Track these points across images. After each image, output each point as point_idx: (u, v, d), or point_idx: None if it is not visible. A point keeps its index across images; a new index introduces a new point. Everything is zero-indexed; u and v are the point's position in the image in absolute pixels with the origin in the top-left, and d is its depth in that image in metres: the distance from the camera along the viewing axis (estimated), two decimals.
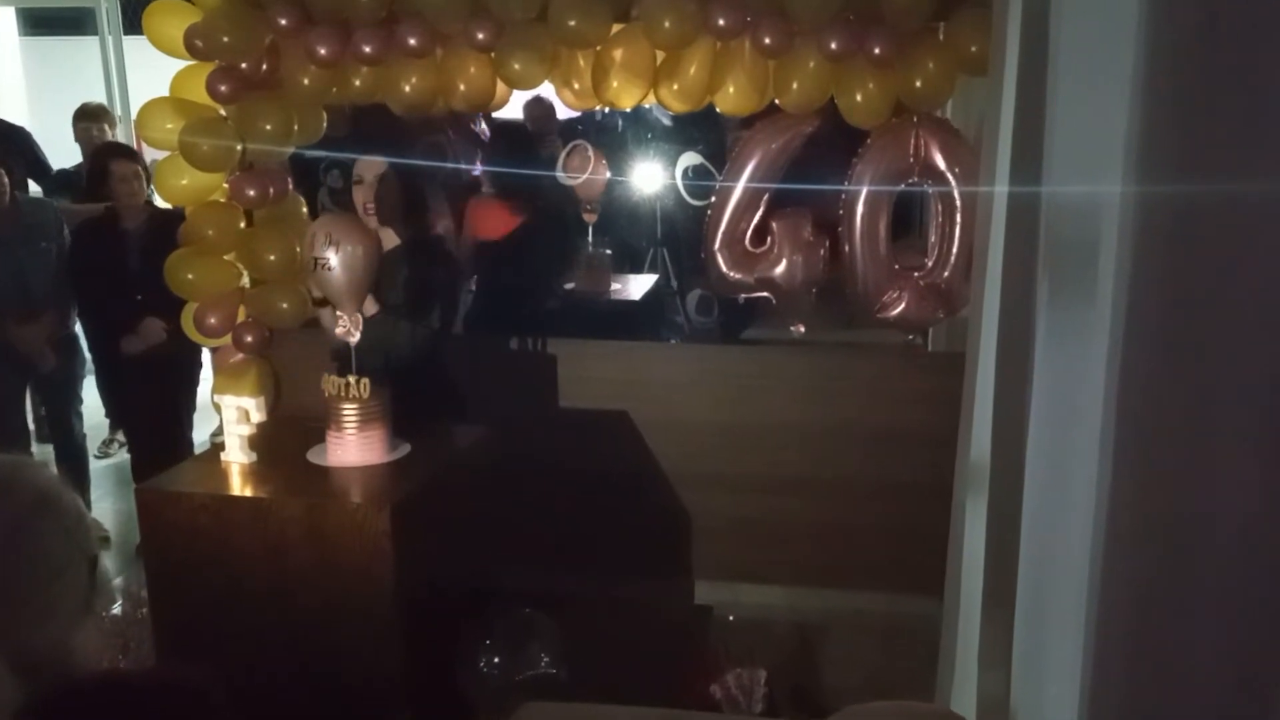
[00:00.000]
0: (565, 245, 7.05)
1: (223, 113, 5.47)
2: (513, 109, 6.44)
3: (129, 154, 6.58)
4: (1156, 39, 1.93)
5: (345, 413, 4.33)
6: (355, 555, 4.02)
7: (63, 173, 8.14)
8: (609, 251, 7.18)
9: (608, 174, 6.87)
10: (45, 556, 2.09)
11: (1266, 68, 1.55)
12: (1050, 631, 2.73)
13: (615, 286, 7.18)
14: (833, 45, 4.79)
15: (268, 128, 5.38)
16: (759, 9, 4.84)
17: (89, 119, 7.91)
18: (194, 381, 6.82)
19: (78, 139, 7.89)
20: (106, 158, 6.52)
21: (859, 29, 4.79)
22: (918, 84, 4.86)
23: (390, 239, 4.87)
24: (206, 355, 6.59)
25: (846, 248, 5.30)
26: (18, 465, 2.18)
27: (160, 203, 6.28)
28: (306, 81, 5.34)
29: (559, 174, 6.63)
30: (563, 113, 7.65)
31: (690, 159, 6.20)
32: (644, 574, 5.67)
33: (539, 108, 7.72)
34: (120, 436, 8.03)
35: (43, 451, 7.17)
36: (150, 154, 6.06)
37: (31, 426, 7.34)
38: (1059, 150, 2.72)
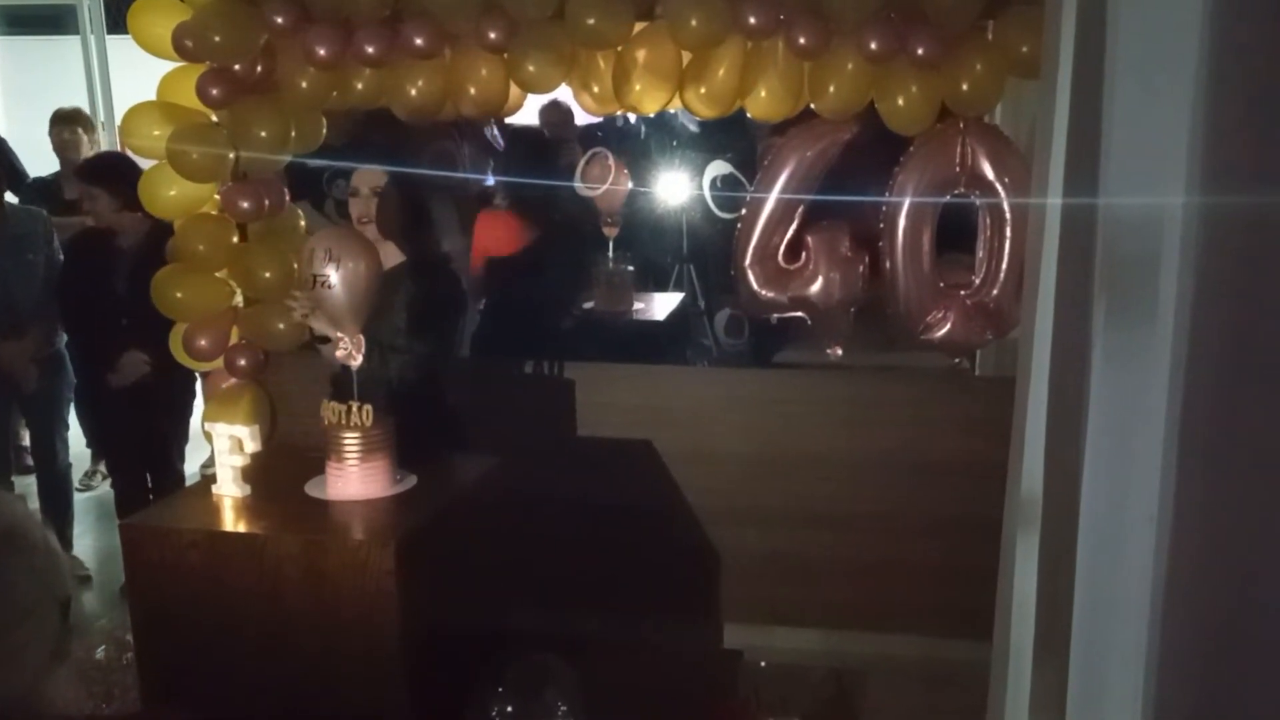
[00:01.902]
0: (584, 261, 7.05)
1: (214, 118, 5.50)
2: (527, 114, 6.45)
3: (82, 174, 6.52)
4: (1222, 36, 1.94)
5: (346, 442, 4.33)
6: (357, 596, 4.02)
7: (39, 181, 8.15)
8: (631, 268, 7.18)
9: (629, 184, 6.88)
10: (10, 598, 2.05)
11: None
12: (1107, 678, 2.72)
13: (638, 306, 7.18)
14: (873, 45, 4.79)
15: (263, 134, 5.39)
16: (793, 6, 4.85)
17: (63, 124, 7.94)
18: (186, 409, 6.77)
19: (54, 146, 7.93)
20: (77, 177, 6.57)
21: (901, 28, 4.79)
22: (964, 87, 4.87)
23: (393, 256, 4.88)
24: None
25: (887, 264, 5.30)
26: None
27: None
28: (305, 84, 5.37)
29: (577, 184, 6.64)
30: (581, 118, 7.67)
31: (718, 168, 6.21)
32: (669, 616, 5.67)
33: (556, 113, 7.73)
34: (103, 468, 8.04)
35: (22, 484, 7.20)
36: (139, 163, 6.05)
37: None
38: (1116, 158, 2.73)
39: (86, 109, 9.35)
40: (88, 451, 8.22)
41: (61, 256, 6.68)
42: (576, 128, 7.86)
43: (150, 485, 6.60)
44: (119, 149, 7.39)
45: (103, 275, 6.28)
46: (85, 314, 6.43)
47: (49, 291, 6.56)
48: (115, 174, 6.27)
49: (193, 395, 6.76)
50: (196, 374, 6.35)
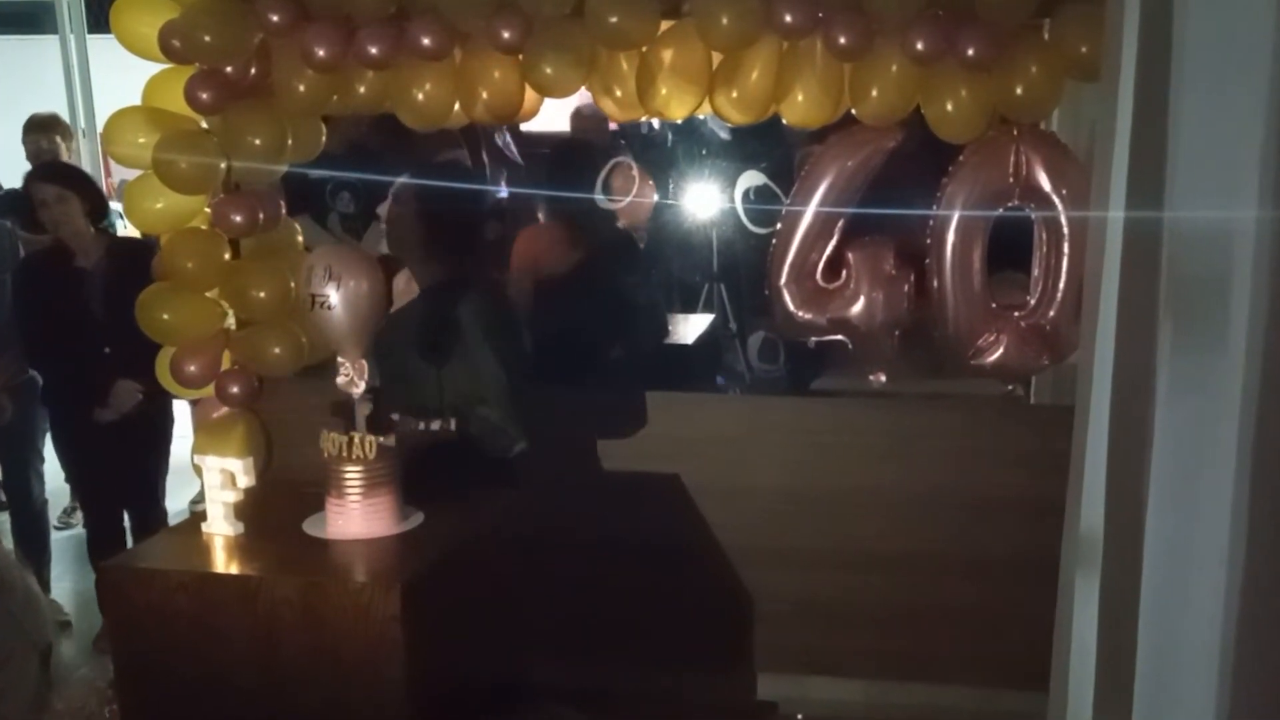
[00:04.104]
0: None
1: (204, 125, 5.51)
2: (540, 120, 6.44)
3: (50, 175, 6.48)
4: None
5: (348, 476, 4.32)
6: (359, 643, 4.02)
7: (11, 193, 8.13)
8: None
9: (655, 196, 6.88)
10: None
11: None
12: None
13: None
14: (919, 45, 4.78)
15: (257, 142, 5.40)
16: (833, 3, 4.83)
17: (39, 131, 7.91)
18: (167, 439, 6.77)
19: (28, 155, 7.94)
20: (29, 180, 6.54)
21: (949, 27, 4.78)
22: (1018, 91, 4.86)
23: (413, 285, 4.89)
24: (179, 406, 6.58)
25: (935, 283, 5.30)
26: None
27: (126, 230, 6.24)
28: (302, 88, 5.38)
29: (598, 196, 6.63)
30: None
31: (751, 179, 6.22)
32: (697, 665, 5.67)
33: (589, 119, 7.68)
34: None
35: None
36: (122, 174, 6.05)
37: None
38: (1183, 168, 2.73)
39: (65, 114, 9.39)
40: (65, 487, 8.20)
41: None
42: (608, 135, 7.84)
43: (127, 523, 6.60)
44: (100, 157, 7.38)
45: (71, 299, 6.26)
46: (56, 342, 6.36)
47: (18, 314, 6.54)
48: (83, 179, 6.27)
49: (172, 422, 6.73)
50: (173, 399, 6.33)
